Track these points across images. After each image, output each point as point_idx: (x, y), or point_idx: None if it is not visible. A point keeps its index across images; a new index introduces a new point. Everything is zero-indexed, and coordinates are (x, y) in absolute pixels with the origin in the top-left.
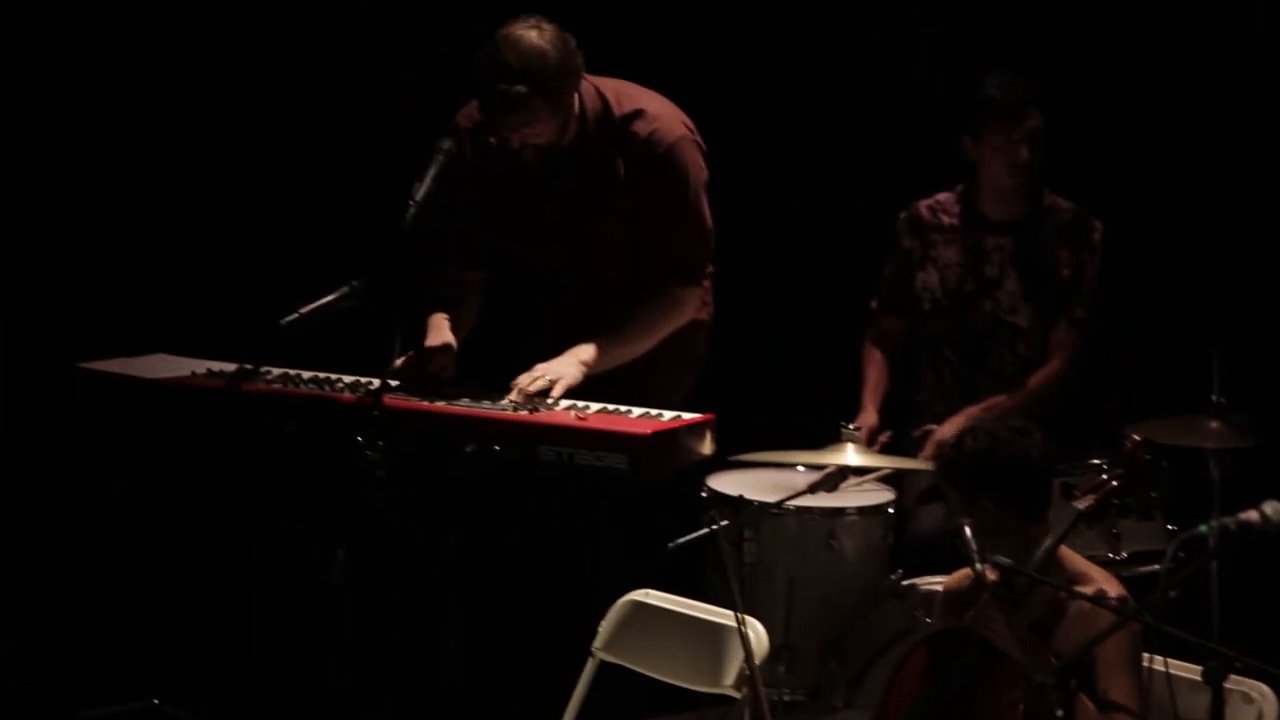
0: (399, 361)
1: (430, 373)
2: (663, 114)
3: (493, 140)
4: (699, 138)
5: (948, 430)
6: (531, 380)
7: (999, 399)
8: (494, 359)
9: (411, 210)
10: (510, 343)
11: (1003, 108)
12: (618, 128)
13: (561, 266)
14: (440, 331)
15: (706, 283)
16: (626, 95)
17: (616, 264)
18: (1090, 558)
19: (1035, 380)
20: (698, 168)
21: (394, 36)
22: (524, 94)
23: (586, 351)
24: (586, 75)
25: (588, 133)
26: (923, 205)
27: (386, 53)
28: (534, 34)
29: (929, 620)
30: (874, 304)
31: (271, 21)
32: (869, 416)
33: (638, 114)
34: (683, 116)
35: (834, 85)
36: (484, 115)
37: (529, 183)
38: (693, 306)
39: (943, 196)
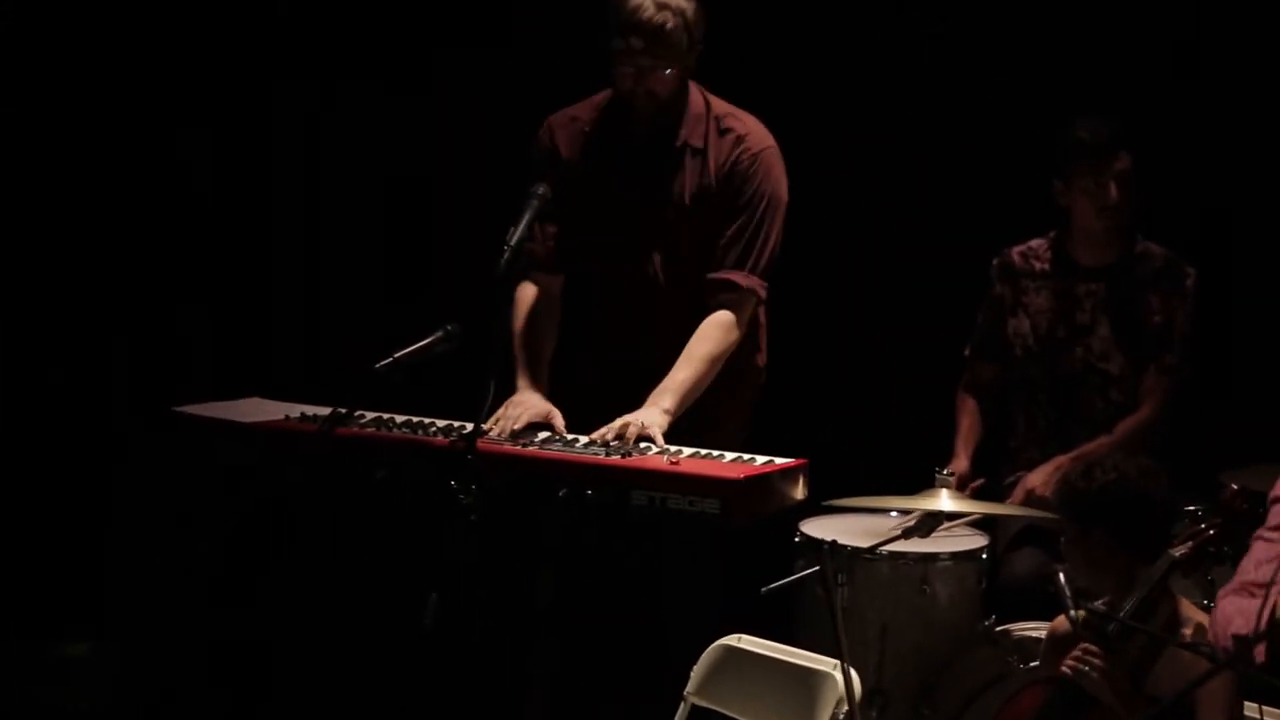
0: (493, 421)
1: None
2: (758, 127)
3: (586, 129)
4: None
5: (1037, 478)
6: (620, 431)
7: (1088, 446)
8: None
9: (506, 255)
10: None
11: (1091, 149)
12: (715, 124)
13: (629, 270)
14: (530, 400)
15: (762, 320)
16: (725, 105)
17: (688, 270)
18: None
19: (1124, 426)
20: (780, 182)
21: (486, 85)
22: (666, 25)
23: (667, 399)
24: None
25: (688, 122)
26: (1015, 251)
27: (480, 96)
28: None
29: (1024, 666)
30: (967, 351)
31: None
32: (961, 462)
33: (734, 115)
34: (770, 135)
35: (931, 129)
36: (615, 48)
37: (616, 173)
38: (742, 326)
39: (1035, 242)
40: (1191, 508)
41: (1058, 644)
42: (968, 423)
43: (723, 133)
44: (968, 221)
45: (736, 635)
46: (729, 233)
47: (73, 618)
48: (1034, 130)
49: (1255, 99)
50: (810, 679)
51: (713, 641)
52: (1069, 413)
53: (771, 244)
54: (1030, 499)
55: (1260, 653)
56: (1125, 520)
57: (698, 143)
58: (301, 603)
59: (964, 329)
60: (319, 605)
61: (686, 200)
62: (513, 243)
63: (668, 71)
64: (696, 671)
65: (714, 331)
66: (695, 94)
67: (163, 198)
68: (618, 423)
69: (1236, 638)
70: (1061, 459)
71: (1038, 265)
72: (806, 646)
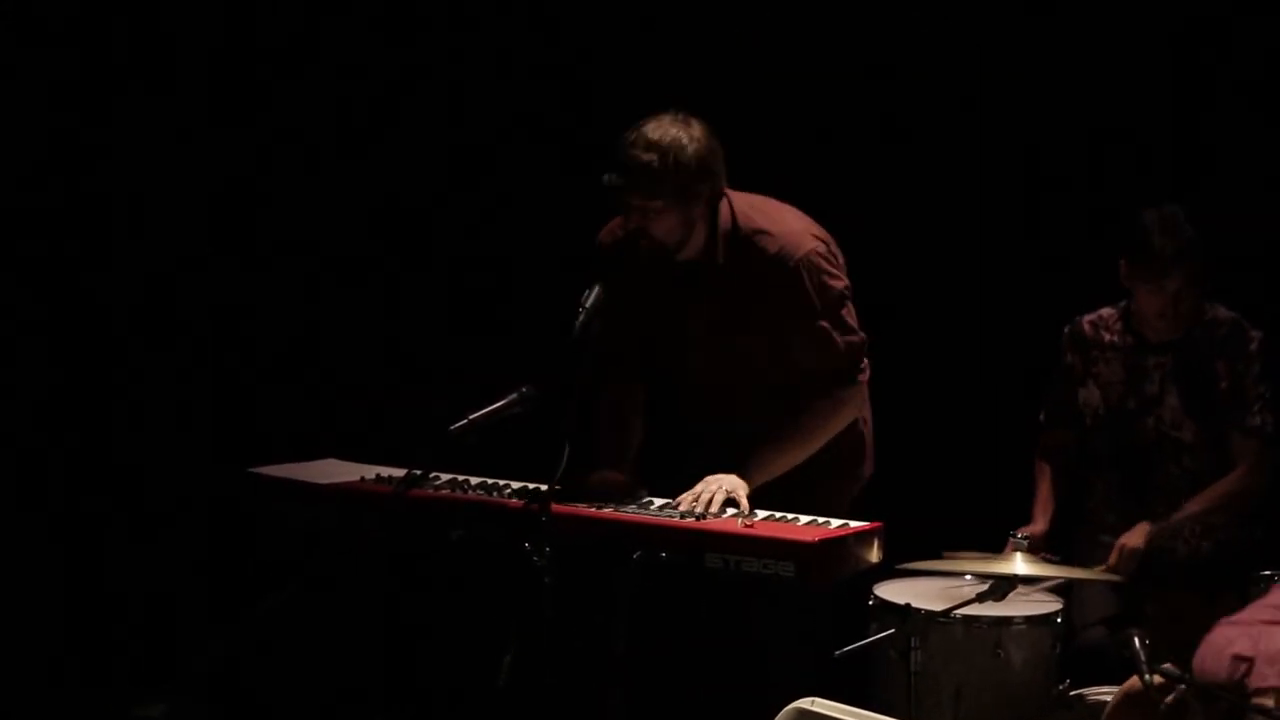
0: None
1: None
2: (789, 229)
3: (641, 243)
4: (834, 248)
5: (1135, 539)
6: (700, 493)
7: (1186, 508)
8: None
9: (581, 317)
10: (667, 461)
11: (1155, 261)
12: (744, 244)
13: (702, 376)
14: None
15: (865, 390)
16: (757, 210)
17: (759, 373)
18: None
19: (1218, 488)
20: (831, 279)
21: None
22: (653, 167)
23: (752, 463)
24: (728, 190)
25: (716, 245)
26: (1085, 321)
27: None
28: (680, 124)
29: None
30: (1041, 418)
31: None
32: (1039, 525)
33: (763, 232)
34: (814, 229)
35: (1006, 191)
36: (611, 186)
37: (670, 295)
38: (855, 404)
39: (1106, 312)
40: (1269, 573)
41: (1127, 706)
42: (1044, 489)
43: (752, 252)
44: (1045, 282)
45: (810, 699)
46: (809, 349)
47: (149, 679)
48: (1114, 196)
49: None
50: None
51: (787, 704)
52: (1143, 480)
53: (855, 343)
54: (1125, 556)
55: (1267, 676)
56: (1209, 578)
57: (726, 264)
58: (378, 664)
59: (1040, 392)
60: (396, 667)
61: (719, 318)
62: (587, 304)
63: (662, 211)
64: None
65: (818, 404)
66: (725, 213)
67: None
68: (700, 485)
69: (1236, 657)
70: (1160, 522)
71: (1107, 336)
72: (880, 710)
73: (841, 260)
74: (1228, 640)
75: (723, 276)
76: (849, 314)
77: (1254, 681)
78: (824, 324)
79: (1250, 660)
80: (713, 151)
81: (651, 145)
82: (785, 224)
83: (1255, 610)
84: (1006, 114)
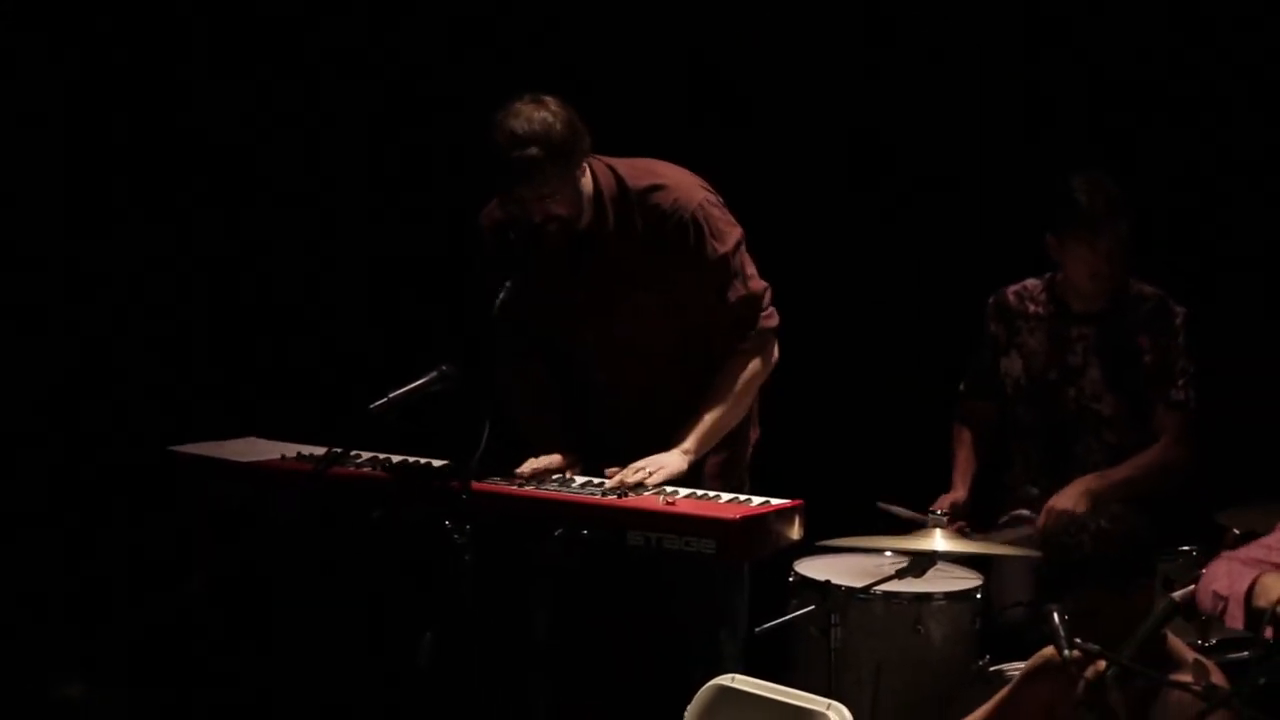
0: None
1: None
2: (681, 182)
3: (512, 235)
4: (720, 198)
5: (1064, 501)
6: (633, 473)
7: (1112, 470)
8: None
9: (501, 295)
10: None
11: (1087, 220)
12: (636, 202)
13: (599, 348)
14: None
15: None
16: (640, 169)
17: (663, 333)
18: None
19: (1144, 457)
20: (727, 225)
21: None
22: (537, 157)
23: (689, 440)
24: (596, 155)
25: (605, 211)
26: (1010, 291)
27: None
28: (533, 106)
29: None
30: (961, 387)
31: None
32: (959, 493)
33: (656, 187)
34: (700, 181)
35: (929, 163)
36: (500, 190)
37: (553, 271)
38: (767, 351)
39: (1031, 283)
40: (1187, 548)
41: (1040, 675)
42: (964, 455)
43: (645, 208)
44: (965, 257)
45: (730, 675)
46: (711, 300)
47: (69, 658)
48: (1036, 165)
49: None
50: (804, 719)
51: (707, 681)
52: (1062, 453)
53: (756, 290)
54: (1054, 517)
55: (1237, 619)
56: (1112, 571)
57: (617, 226)
58: (297, 642)
59: (959, 366)
60: (315, 644)
61: (613, 283)
62: (508, 284)
63: (557, 192)
64: (690, 711)
65: (736, 365)
66: (605, 176)
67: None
68: (634, 466)
69: (1216, 594)
70: (1088, 479)
71: (1032, 307)
72: (800, 686)
73: (726, 207)
74: (1214, 575)
75: (614, 239)
76: (746, 262)
77: (1228, 621)
78: (723, 272)
79: (1225, 600)
80: (572, 118)
81: (524, 139)
82: (674, 177)
83: (1252, 548)
84: (928, 78)
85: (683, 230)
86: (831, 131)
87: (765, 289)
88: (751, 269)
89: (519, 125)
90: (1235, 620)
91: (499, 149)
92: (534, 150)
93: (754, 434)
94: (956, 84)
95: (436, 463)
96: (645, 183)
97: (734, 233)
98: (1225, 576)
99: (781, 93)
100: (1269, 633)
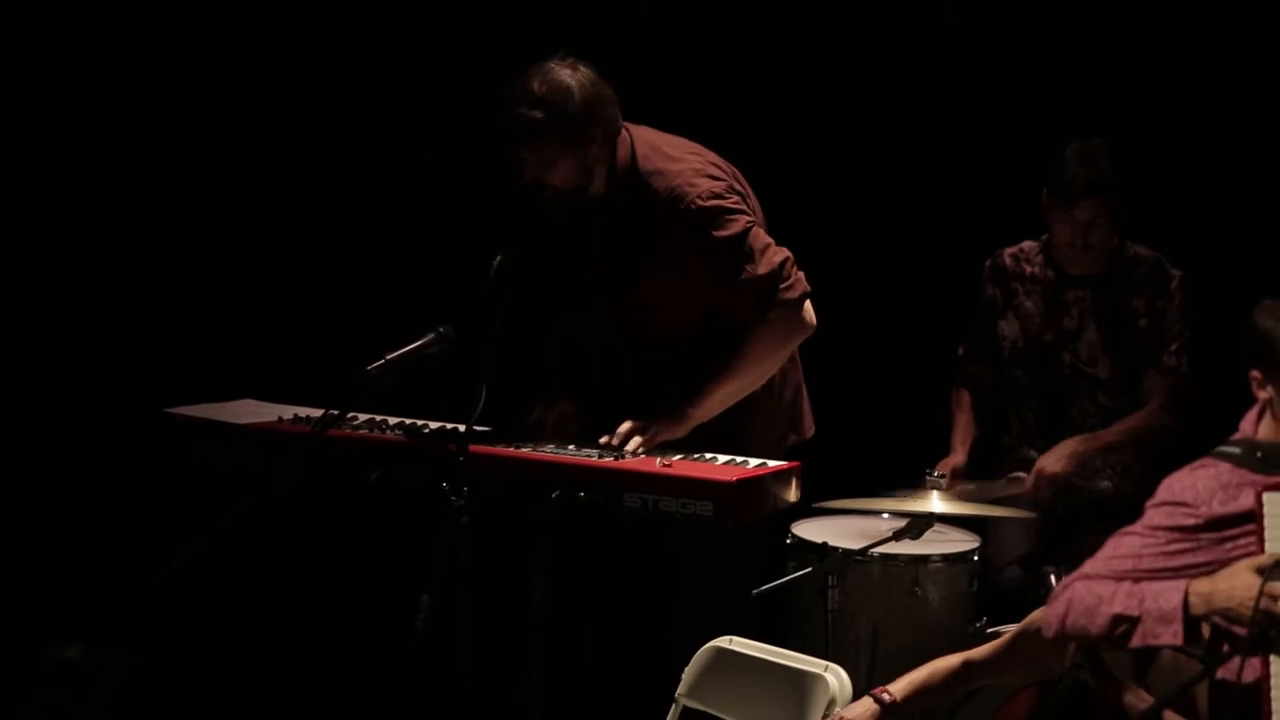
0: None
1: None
2: (684, 169)
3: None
4: (735, 183)
5: (1052, 464)
6: (630, 431)
7: (1099, 434)
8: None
9: (499, 258)
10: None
11: (1067, 191)
12: (639, 183)
13: (617, 318)
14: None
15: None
16: (657, 150)
17: (673, 312)
18: None
19: (1128, 423)
20: (729, 217)
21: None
22: (539, 121)
23: (693, 403)
24: (630, 126)
25: (616, 184)
26: (1007, 254)
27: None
28: (566, 71)
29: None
30: (960, 351)
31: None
32: (959, 456)
33: (657, 173)
34: (711, 169)
35: (927, 125)
36: (501, 143)
37: (563, 233)
38: (786, 323)
39: (1027, 245)
40: None
41: (1032, 637)
42: (964, 418)
43: (645, 192)
44: (965, 219)
45: (728, 637)
46: (723, 284)
47: (68, 620)
48: (1035, 128)
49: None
50: (801, 681)
51: (705, 643)
52: (1058, 416)
53: (772, 269)
54: (1042, 481)
55: (1159, 636)
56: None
57: (622, 201)
58: (294, 604)
59: (959, 329)
60: (312, 606)
61: (620, 256)
62: (502, 256)
63: (557, 162)
64: (688, 673)
65: (753, 338)
66: (625, 152)
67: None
68: (625, 425)
69: (1119, 616)
70: (1074, 442)
71: (1028, 269)
72: (797, 648)
73: (745, 189)
74: (1098, 598)
75: (620, 215)
76: (756, 241)
77: (1135, 641)
78: (729, 257)
79: (1135, 619)
80: (600, 94)
81: (536, 100)
82: (681, 164)
83: (1105, 563)
84: (928, 46)
85: (677, 219)
86: (824, 88)
87: (784, 261)
88: (765, 244)
89: (537, 85)
90: (1156, 638)
91: (510, 102)
92: (539, 114)
93: (810, 429)
94: (956, 39)
95: (434, 425)
96: (652, 166)
97: (740, 219)
98: (1120, 596)
99: (774, 46)
100: (1206, 631)
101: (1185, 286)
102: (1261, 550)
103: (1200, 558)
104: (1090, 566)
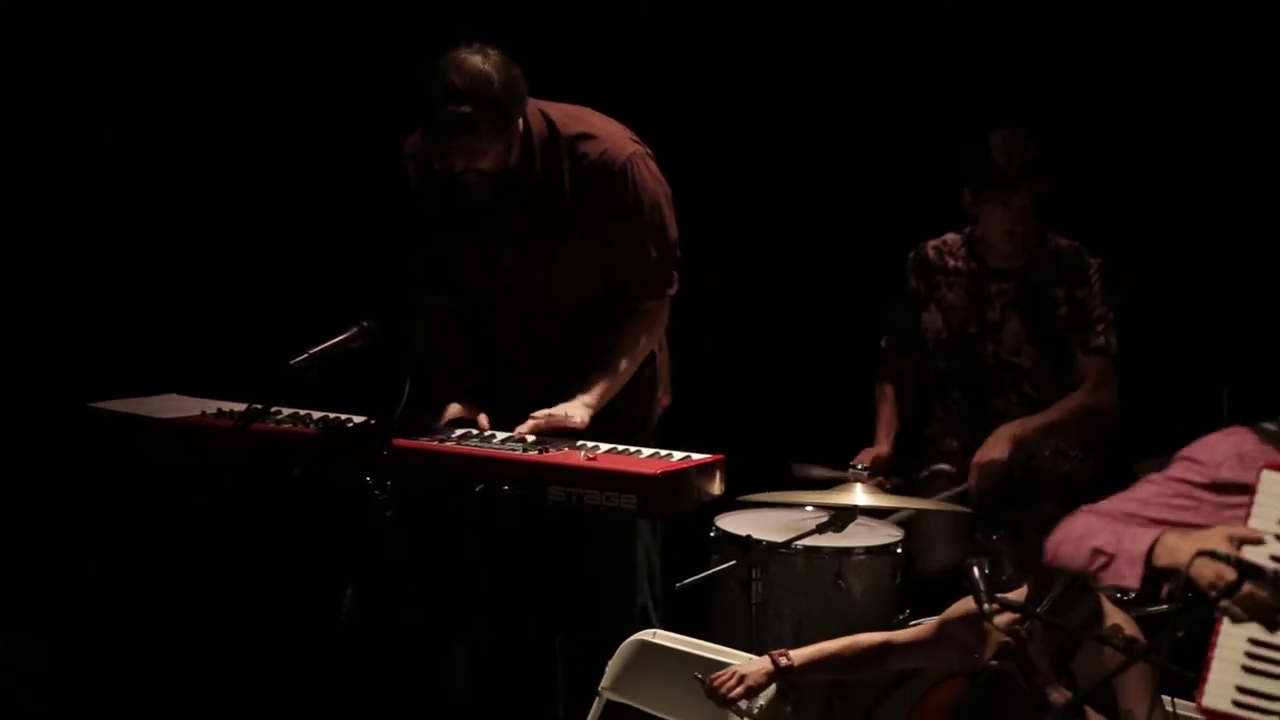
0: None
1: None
2: (611, 133)
3: (436, 166)
4: (650, 151)
5: (994, 450)
6: (535, 420)
7: (1034, 416)
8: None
9: (421, 260)
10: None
11: (1001, 176)
12: (566, 149)
13: (519, 291)
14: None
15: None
16: (572, 117)
17: (578, 282)
18: None
19: (1068, 401)
20: (655, 182)
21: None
22: (470, 115)
23: (590, 394)
24: (531, 99)
25: (533, 155)
26: (929, 246)
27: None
28: (478, 58)
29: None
30: (883, 343)
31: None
32: (883, 448)
33: (585, 136)
34: (631, 134)
35: (848, 119)
36: (428, 140)
37: (478, 210)
38: (664, 318)
39: (950, 237)
40: None
41: (960, 622)
42: (888, 410)
43: (574, 157)
44: (886, 213)
45: (651, 630)
46: (626, 253)
47: None
48: (955, 122)
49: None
50: None
51: (629, 637)
52: (982, 406)
53: (672, 247)
54: (985, 472)
55: (1126, 577)
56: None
57: (544, 172)
58: (219, 598)
59: (879, 321)
60: (236, 600)
61: (537, 228)
62: (425, 252)
63: (487, 148)
64: (611, 666)
65: (634, 323)
66: (536, 121)
67: (76, 190)
68: (540, 414)
69: (1096, 550)
70: (1011, 427)
71: (951, 262)
72: (721, 641)
73: (656, 161)
74: (1089, 531)
75: (540, 185)
76: (669, 220)
77: (1108, 578)
78: (644, 227)
79: (1111, 556)
80: (513, 73)
81: (460, 94)
82: (606, 128)
83: (1118, 502)
84: (855, 33)
85: (609, 181)
86: (749, 82)
87: (676, 246)
88: (673, 228)
89: (458, 79)
90: (1122, 578)
91: (434, 100)
92: (468, 108)
93: (665, 400)
94: (878, 33)
95: (357, 419)
96: (575, 130)
97: (661, 189)
98: (1105, 532)
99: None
100: (1165, 591)
101: (1104, 271)
102: (1246, 524)
103: (1196, 518)
104: (1104, 503)
